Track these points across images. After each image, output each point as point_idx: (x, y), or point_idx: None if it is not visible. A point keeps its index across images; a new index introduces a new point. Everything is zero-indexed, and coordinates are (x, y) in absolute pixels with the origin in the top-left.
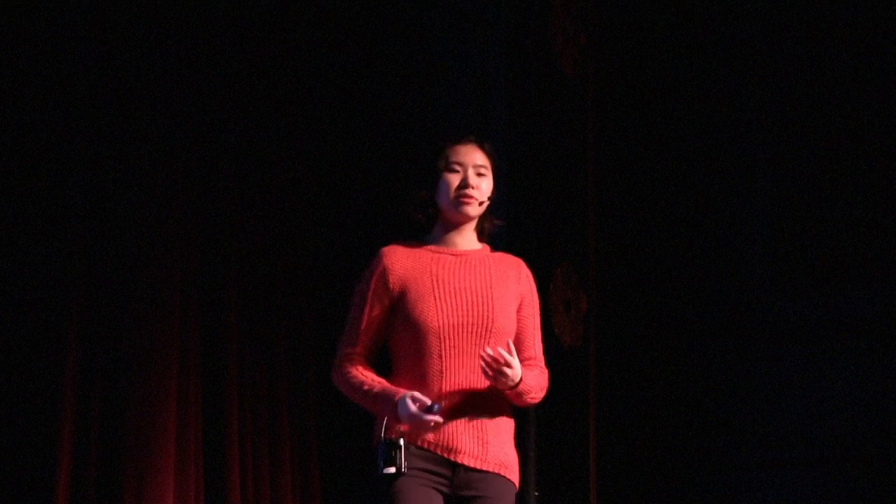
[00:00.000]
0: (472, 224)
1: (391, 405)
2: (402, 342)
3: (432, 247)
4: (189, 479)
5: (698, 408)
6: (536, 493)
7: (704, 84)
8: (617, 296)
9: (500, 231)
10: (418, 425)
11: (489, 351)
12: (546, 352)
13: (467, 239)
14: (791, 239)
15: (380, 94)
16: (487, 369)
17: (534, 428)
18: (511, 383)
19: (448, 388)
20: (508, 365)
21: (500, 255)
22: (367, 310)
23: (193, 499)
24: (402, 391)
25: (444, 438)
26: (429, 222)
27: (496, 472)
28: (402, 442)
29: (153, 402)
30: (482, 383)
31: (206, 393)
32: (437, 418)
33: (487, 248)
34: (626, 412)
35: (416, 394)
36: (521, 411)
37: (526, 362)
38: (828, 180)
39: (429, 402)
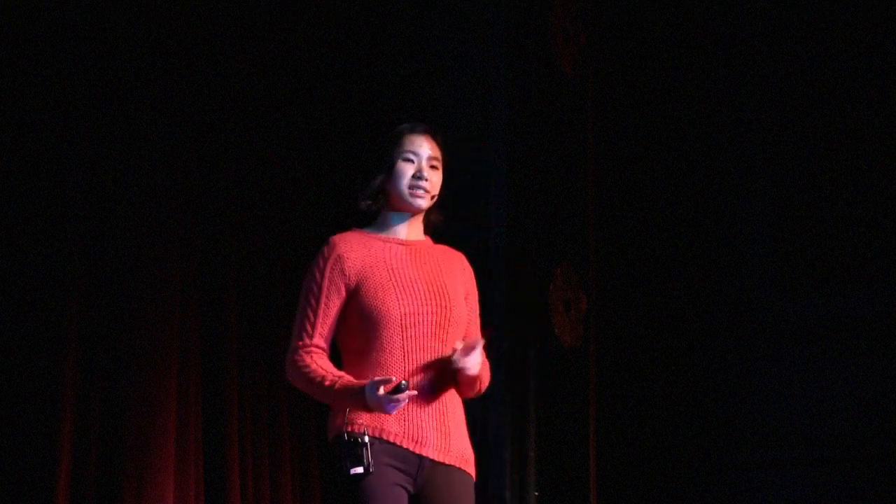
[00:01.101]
0: (420, 215)
1: (358, 398)
2: (358, 334)
3: (381, 235)
4: (189, 479)
5: (698, 408)
6: (536, 493)
7: (704, 84)
8: (617, 296)
9: (499, 231)
10: (392, 408)
11: (459, 345)
12: (546, 352)
13: (414, 229)
14: (791, 239)
15: (380, 94)
16: (469, 365)
17: (534, 428)
18: (477, 371)
19: (411, 380)
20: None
21: (442, 247)
22: (323, 299)
23: (193, 499)
24: (365, 382)
25: (410, 430)
26: (374, 210)
27: (458, 466)
28: (367, 438)
29: (153, 402)
30: (442, 375)
31: (206, 393)
32: (412, 393)
33: (430, 240)
34: (626, 412)
35: (378, 378)
36: (520, 411)
37: None
38: (828, 180)
39: (394, 379)
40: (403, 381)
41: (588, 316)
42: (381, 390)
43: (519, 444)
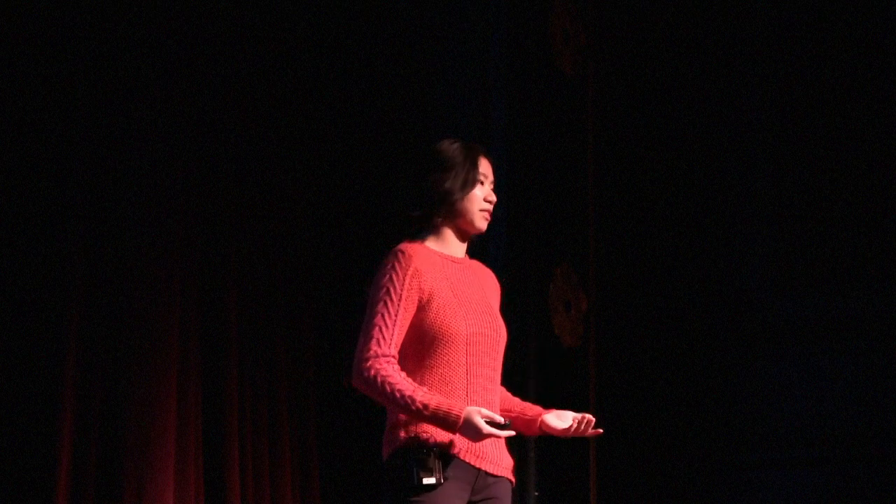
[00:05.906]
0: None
1: (450, 420)
2: (422, 347)
3: (440, 252)
4: (189, 479)
5: (698, 408)
6: (536, 493)
7: (704, 84)
8: (617, 296)
9: (499, 231)
10: (483, 438)
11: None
12: (546, 352)
13: (464, 248)
14: (791, 239)
15: (380, 95)
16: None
17: None
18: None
19: (473, 397)
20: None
21: (477, 262)
22: (400, 309)
23: (193, 499)
24: (462, 407)
25: (472, 445)
26: (423, 223)
27: (505, 475)
28: (438, 450)
29: (153, 402)
30: (494, 391)
31: (206, 393)
32: (511, 433)
33: (467, 257)
34: (626, 412)
35: (485, 410)
36: None
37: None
38: (828, 180)
39: (501, 420)
40: (508, 422)
41: (588, 316)
42: (481, 423)
43: (519, 444)
